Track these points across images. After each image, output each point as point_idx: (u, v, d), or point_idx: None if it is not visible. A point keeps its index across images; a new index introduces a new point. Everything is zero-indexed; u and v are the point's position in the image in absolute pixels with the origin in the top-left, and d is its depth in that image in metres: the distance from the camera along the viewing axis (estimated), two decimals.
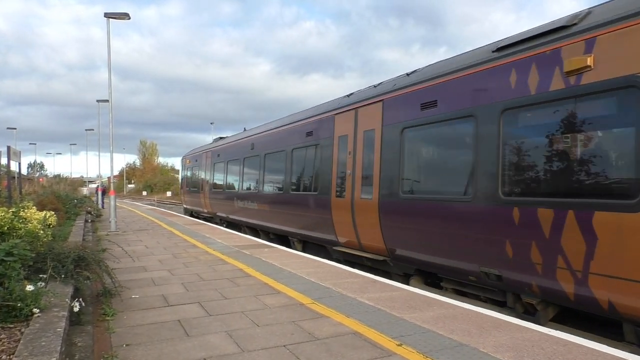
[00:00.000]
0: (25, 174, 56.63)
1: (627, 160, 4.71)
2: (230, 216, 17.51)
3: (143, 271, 7.78)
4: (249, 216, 15.30)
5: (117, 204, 21.13)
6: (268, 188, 13.83)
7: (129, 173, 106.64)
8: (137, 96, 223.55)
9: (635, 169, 4.55)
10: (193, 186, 23.70)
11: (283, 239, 13.13)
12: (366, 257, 8.92)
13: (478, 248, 6.23)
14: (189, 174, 25.18)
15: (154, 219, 20.35)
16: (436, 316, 5.12)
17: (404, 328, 4.71)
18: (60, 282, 5.14)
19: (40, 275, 5.07)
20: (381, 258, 8.44)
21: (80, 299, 4.81)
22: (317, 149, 10.80)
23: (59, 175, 65.71)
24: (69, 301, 4.53)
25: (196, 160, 23.29)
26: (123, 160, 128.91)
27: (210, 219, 20.58)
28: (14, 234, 6.09)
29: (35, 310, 4.04)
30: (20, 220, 6.46)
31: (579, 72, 5.06)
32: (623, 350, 4.21)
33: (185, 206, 26.79)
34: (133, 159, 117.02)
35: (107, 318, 4.97)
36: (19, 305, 3.97)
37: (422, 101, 7.46)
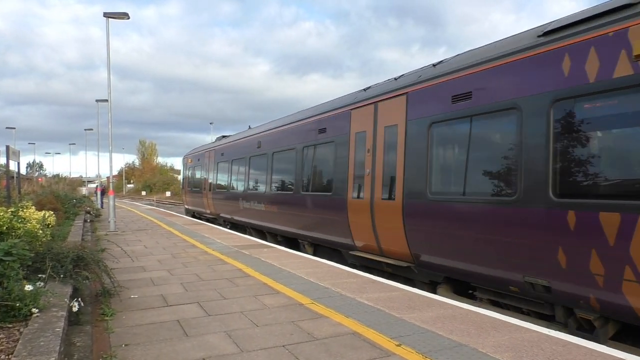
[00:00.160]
0: (24, 173, 56.64)
1: None
2: (235, 217, 16.91)
3: (142, 271, 7.77)
4: (255, 217, 14.65)
5: (116, 204, 21.13)
6: (276, 188, 13.19)
7: (128, 173, 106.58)
8: (136, 96, 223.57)
9: None
10: (195, 186, 23.01)
11: (292, 241, 12.56)
12: (386, 263, 8.27)
13: (522, 255, 5.59)
14: (190, 173, 24.38)
15: (153, 219, 20.33)
16: (435, 316, 5.12)
17: (403, 328, 4.70)
18: (59, 282, 5.14)
19: (39, 275, 5.06)
20: (405, 264, 7.77)
21: (79, 299, 4.81)
22: (331, 146, 10.14)
23: (58, 175, 65.70)
24: (67, 301, 4.53)
25: (198, 160, 22.60)
26: (122, 160, 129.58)
27: (213, 219, 20.02)
28: (13, 233, 6.09)
29: (34, 310, 4.04)
30: (19, 220, 6.45)
31: None
32: (623, 351, 4.20)
33: (186, 207, 25.93)
34: (132, 158, 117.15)
35: (106, 318, 4.96)
36: (17, 305, 3.97)
37: (453, 93, 6.80)
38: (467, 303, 5.94)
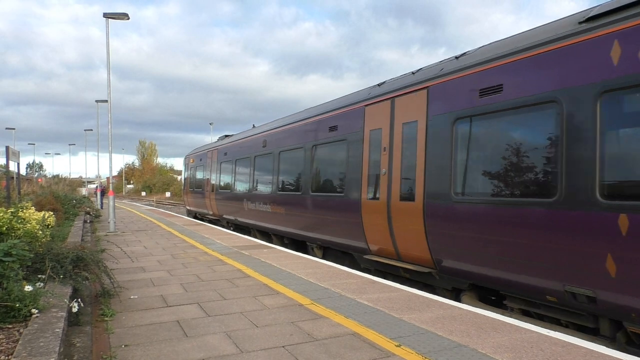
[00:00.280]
0: (24, 174, 56.62)
1: None
2: (239, 219, 16.40)
3: (142, 272, 7.77)
4: (261, 219, 14.13)
5: (116, 205, 21.13)
6: (283, 188, 12.71)
7: (128, 173, 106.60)
8: (135, 96, 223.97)
9: None
10: (197, 187, 22.38)
11: (299, 244, 12.19)
12: (404, 268, 7.80)
13: (563, 262, 5.12)
14: (192, 174, 23.71)
15: (153, 219, 20.32)
16: (435, 317, 5.12)
17: (403, 329, 4.70)
18: (59, 282, 5.13)
19: (39, 276, 5.06)
20: (425, 270, 7.28)
21: (79, 300, 4.81)
22: (343, 145, 9.61)
23: (57, 176, 65.59)
24: (67, 302, 4.53)
25: (200, 160, 22.00)
26: (122, 160, 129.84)
27: (216, 221, 19.58)
28: (13, 234, 6.09)
29: (34, 310, 4.04)
30: (19, 221, 6.45)
31: None
32: (622, 352, 4.21)
33: (188, 208, 25.25)
34: (132, 159, 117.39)
35: (106, 319, 4.96)
36: (17, 305, 3.97)
37: (481, 86, 6.32)
38: (493, 311, 5.65)
